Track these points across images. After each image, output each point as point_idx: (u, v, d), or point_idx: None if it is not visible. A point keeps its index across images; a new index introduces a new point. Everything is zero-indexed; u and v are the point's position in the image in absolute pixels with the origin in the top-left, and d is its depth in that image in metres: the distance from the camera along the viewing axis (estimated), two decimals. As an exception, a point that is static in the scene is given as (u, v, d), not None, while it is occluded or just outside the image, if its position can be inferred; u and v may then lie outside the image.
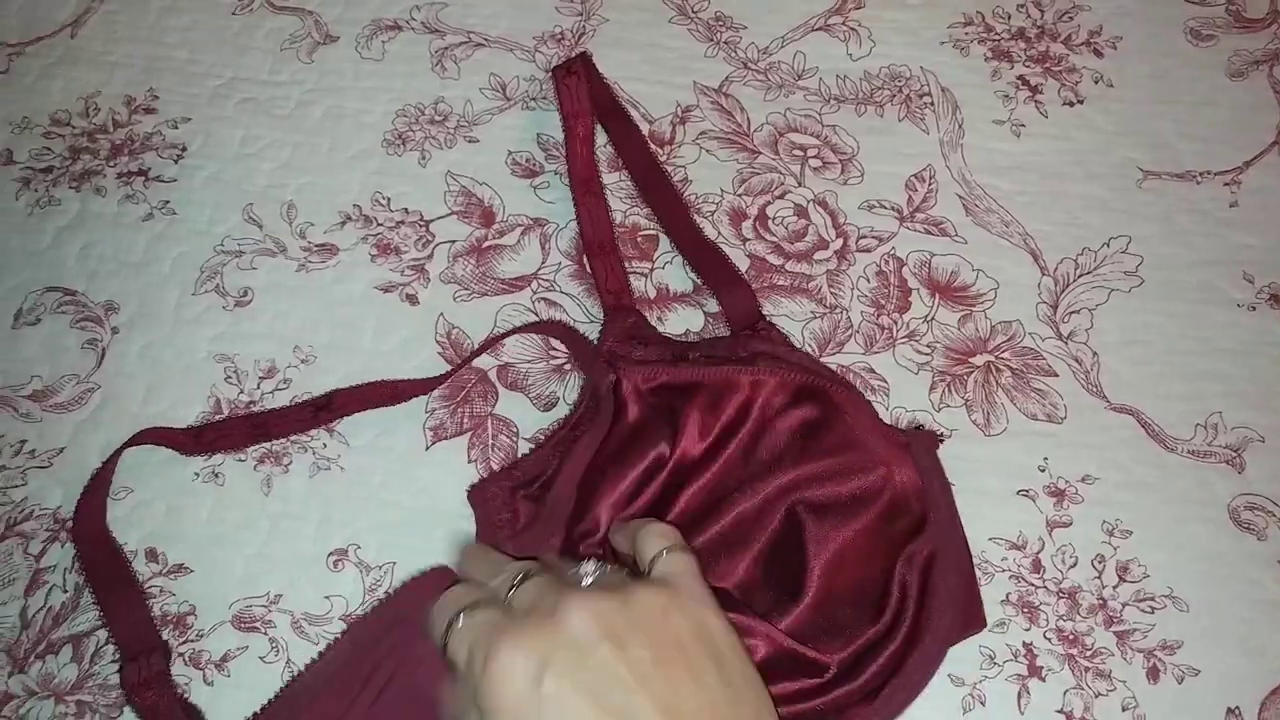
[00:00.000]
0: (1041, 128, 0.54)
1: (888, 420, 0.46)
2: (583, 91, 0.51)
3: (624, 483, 0.40)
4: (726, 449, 0.41)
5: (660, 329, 0.48)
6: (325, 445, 0.46)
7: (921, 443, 0.42)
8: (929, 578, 0.40)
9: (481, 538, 0.42)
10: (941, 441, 0.45)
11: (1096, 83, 0.55)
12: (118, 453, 0.44)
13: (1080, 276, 0.50)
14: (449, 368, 0.47)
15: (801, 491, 0.40)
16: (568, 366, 0.48)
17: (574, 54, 0.54)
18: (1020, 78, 0.56)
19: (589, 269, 0.48)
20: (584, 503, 0.40)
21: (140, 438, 0.45)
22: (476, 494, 0.43)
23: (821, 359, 0.48)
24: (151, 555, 0.44)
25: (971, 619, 0.41)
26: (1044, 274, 0.50)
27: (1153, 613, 0.43)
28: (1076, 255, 0.50)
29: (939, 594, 0.39)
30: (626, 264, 0.50)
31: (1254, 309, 0.49)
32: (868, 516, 0.39)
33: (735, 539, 0.40)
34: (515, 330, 0.47)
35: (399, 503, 0.45)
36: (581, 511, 0.40)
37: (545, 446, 0.43)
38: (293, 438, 0.46)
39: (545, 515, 0.39)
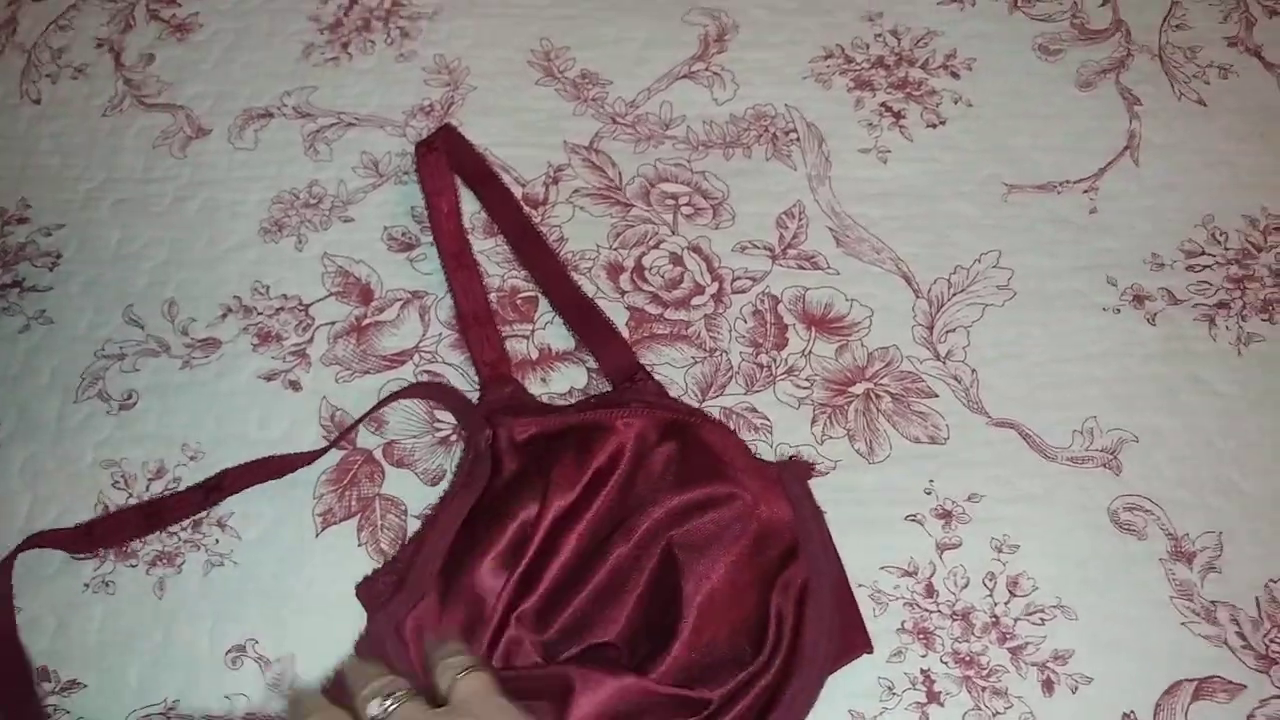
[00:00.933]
0: (907, 152, 0.55)
1: (772, 459, 0.47)
2: (443, 166, 0.52)
3: (502, 539, 0.40)
4: (601, 493, 0.41)
5: (544, 389, 0.49)
6: (218, 541, 0.46)
7: (792, 472, 0.43)
8: (804, 606, 0.40)
9: (372, 633, 0.42)
10: (814, 470, 0.46)
11: (956, 103, 0.57)
12: (9, 561, 0.44)
13: (954, 295, 0.51)
14: (335, 451, 0.47)
15: (672, 528, 0.40)
16: (454, 438, 0.48)
17: (442, 125, 0.55)
18: (883, 104, 0.57)
19: (464, 339, 0.49)
20: (461, 563, 0.41)
21: (29, 543, 0.45)
22: (364, 590, 0.43)
23: (704, 404, 0.48)
24: (44, 674, 0.43)
25: (852, 644, 0.41)
26: (918, 296, 0.51)
27: (1043, 624, 0.43)
28: (949, 275, 0.51)
29: (813, 622, 0.40)
30: (508, 327, 0.50)
31: (1119, 311, 0.50)
32: (737, 549, 0.40)
33: (615, 586, 0.41)
34: (394, 396, 0.47)
35: (293, 593, 0.44)
36: (460, 572, 0.40)
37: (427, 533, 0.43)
38: (185, 536, 0.46)
39: (415, 574, 0.39)
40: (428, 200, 0.51)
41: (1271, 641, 0.42)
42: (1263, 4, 0.59)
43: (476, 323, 0.49)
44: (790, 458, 0.46)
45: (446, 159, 0.52)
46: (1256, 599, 0.43)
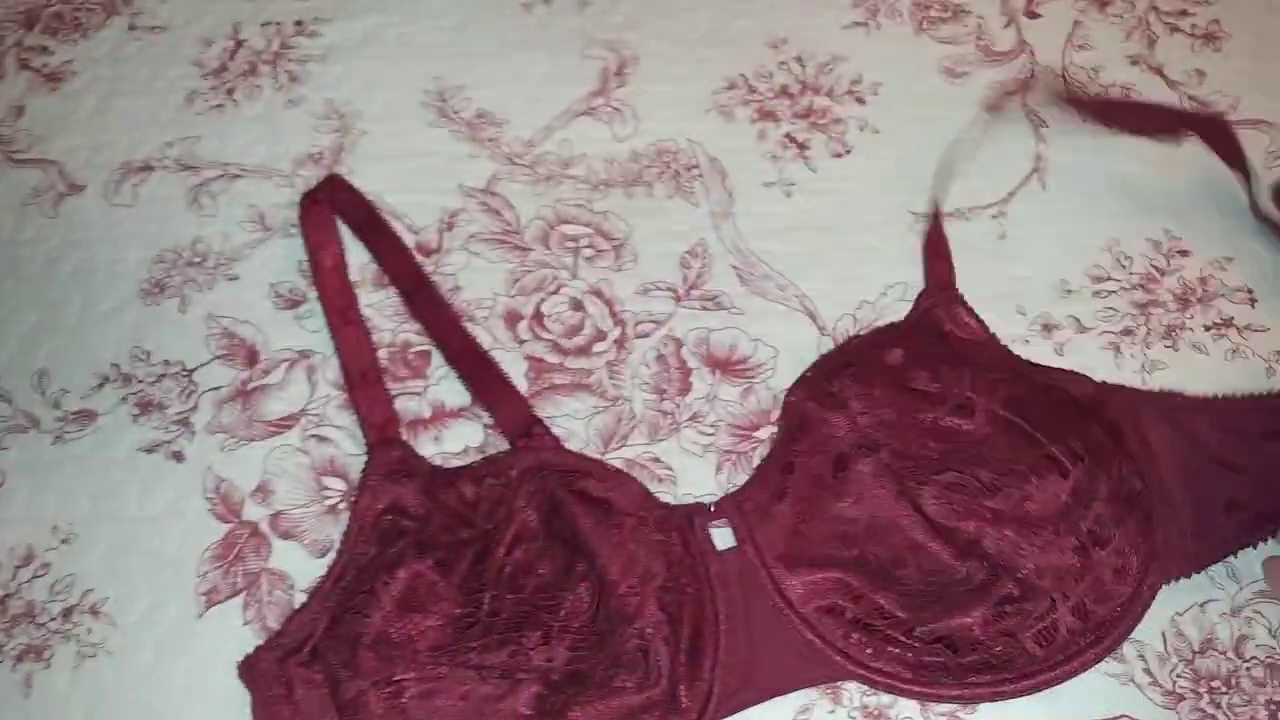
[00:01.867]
0: (812, 184, 0.54)
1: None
2: (328, 218, 0.50)
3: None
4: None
5: (438, 448, 0.47)
6: (90, 630, 0.43)
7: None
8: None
9: (258, 715, 0.40)
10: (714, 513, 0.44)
11: (862, 130, 0.56)
12: None
13: (860, 331, 0.50)
14: (219, 523, 0.45)
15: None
16: (341, 506, 0.46)
17: (328, 175, 0.53)
18: (787, 135, 0.55)
19: (350, 399, 0.47)
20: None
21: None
22: (246, 670, 0.41)
23: (606, 455, 0.46)
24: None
25: None
26: (823, 334, 0.49)
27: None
28: (854, 310, 0.50)
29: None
30: (400, 384, 0.48)
31: (1028, 342, 0.49)
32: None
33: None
34: None
35: (172, 682, 0.42)
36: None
37: (310, 606, 0.41)
38: (54, 627, 0.43)
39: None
40: (311, 255, 0.49)
41: (1178, 677, 0.41)
42: (1164, 21, 0.59)
43: (364, 382, 0.47)
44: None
45: (331, 210, 0.50)
46: (1163, 634, 0.42)
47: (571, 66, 0.57)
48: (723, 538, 0.43)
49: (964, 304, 0.47)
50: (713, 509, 0.44)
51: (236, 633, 0.43)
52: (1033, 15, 0.59)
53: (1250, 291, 0.50)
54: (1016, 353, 0.47)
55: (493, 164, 0.54)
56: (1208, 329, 0.49)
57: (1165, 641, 0.42)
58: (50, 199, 0.54)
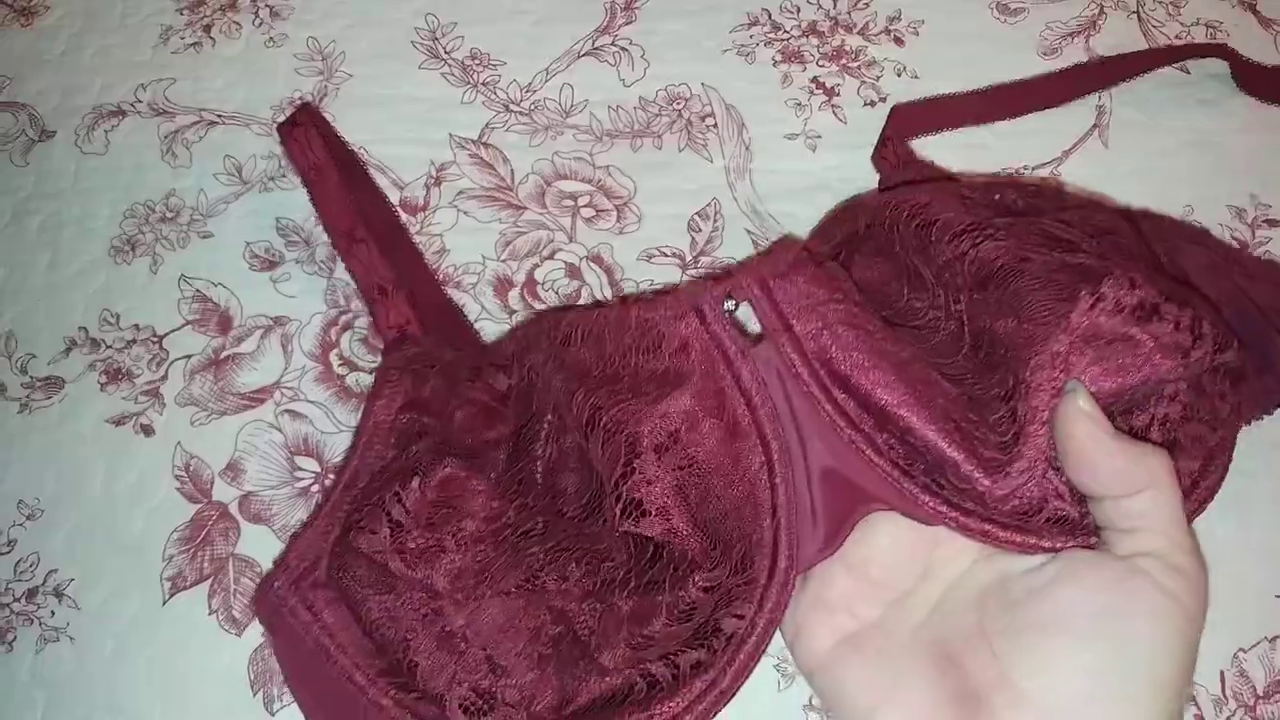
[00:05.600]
0: (840, 137, 0.48)
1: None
2: (316, 140, 0.44)
3: None
4: None
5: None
6: (53, 613, 0.41)
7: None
8: None
9: (283, 654, 0.35)
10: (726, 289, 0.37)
11: (899, 76, 0.49)
12: None
13: (891, 305, 0.45)
14: (188, 504, 0.42)
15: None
16: (315, 488, 0.43)
17: (300, 104, 0.48)
18: (815, 80, 0.49)
19: (371, 316, 0.42)
20: None
21: None
22: (260, 604, 0.36)
23: (601, 441, 0.43)
24: None
25: None
26: (846, 310, 0.45)
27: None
28: (882, 283, 0.45)
29: None
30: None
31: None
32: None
33: None
34: None
35: (132, 673, 0.40)
36: None
37: (316, 522, 0.36)
38: (18, 609, 0.41)
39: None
40: (306, 178, 0.43)
41: (1236, 725, 0.36)
42: (1263, -55, 0.51)
43: (382, 295, 0.42)
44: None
45: (317, 133, 0.44)
46: (1222, 673, 0.37)
47: (574, 1, 0.52)
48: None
49: None
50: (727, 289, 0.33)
51: (201, 622, 0.40)
52: (1105, -60, 0.52)
53: (1345, 268, 0.44)
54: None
55: (487, 111, 0.49)
56: (1292, 311, 0.44)
57: (1224, 683, 0.37)
58: (19, 146, 0.50)
